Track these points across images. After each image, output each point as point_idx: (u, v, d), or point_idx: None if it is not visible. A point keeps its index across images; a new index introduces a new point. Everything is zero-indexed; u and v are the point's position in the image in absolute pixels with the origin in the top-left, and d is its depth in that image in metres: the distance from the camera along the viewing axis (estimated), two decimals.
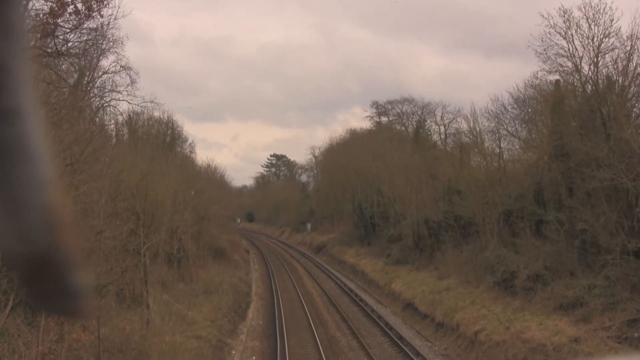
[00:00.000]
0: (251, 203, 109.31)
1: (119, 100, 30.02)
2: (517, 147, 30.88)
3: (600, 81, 23.37)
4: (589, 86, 24.05)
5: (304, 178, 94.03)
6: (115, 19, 21.74)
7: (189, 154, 49.87)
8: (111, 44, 25.78)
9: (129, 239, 20.24)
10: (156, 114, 42.47)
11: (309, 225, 71.01)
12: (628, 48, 22.31)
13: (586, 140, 22.36)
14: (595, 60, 23.23)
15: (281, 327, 24.81)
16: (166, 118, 45.13)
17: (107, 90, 29.55)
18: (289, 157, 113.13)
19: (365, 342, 22.14)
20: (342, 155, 60.53)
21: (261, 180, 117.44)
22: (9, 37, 0.96)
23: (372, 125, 67.94)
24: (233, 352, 21.40)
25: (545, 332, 17.64)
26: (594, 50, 23.18)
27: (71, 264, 1.01)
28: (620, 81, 22.85)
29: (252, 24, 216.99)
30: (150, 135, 42.48)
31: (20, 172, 0.96)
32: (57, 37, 18.54)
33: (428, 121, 55.32)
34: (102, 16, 18.80)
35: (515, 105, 29.92)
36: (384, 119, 67.78)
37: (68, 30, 19.04)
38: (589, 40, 23.23)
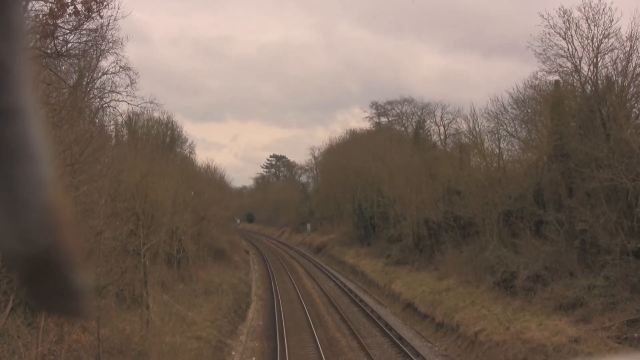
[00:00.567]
0: (251, 204, 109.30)
1: (118, 101, 30.00)
2: (516, 147, 30.93)
3: (599, 81, 23.39)
4: (589, 86, 24.06)
5: (303, 178, 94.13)
6: (114, 20, 21.78)
7: (188, 154, 49.96)
8: (111, 44, 25.80)
9: (129, 239, 20.25)
10: (156, 114, 42.48)
11: (308, 226, 70.99)
12: (627, 48, 22.35)
13: (586, 140, 22.37)
14: (594, 60, 23.25)
15: (281, 328, 24.80)
16: (166, 119, 45.22)
17: (106, 91, 29.56)
18: (288, 158, 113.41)
19: (365, 342, 22.13)
20: (342, 155, 60.52)
21: (261, 181, 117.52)
22: (9, 37, 0.96)
23: (371, 126, 68.03)
24: (233, 352, 21.40)
25: (545, 333, 17.64)
26: (593, 50, 23.20)
27: (71, 265, 1.01)
28: (619, 82, 22.87)
29: (251, 24, 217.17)
30: (150, 135, 42.47)
31: (20, 173, 0.96)
32: (57, 38, 18.53)
33: (428, 122, 55.46)
34: (101, 17, 18.79)
35: (514, 106, 29.97)
36: (383, 119, 67.86)
37: (68, 31, 19.03)
38: (589, 41, 23.26)
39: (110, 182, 18.95)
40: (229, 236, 51.54)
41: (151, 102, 39.91)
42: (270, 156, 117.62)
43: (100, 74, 28.65)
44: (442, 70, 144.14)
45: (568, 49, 23.88)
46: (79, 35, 20.70)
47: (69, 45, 20.75)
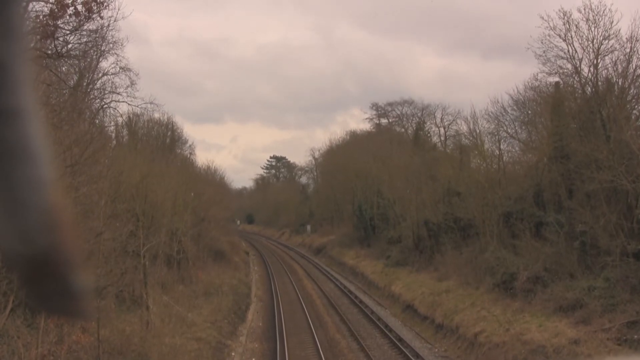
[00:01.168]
0: (251, 205, 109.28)
1: (118, 101, 30.04)
2: (516, 148, 30.97)
3: (599, 83, 23.41)
4: (589, 88, 24.08)
5: (303, 180, 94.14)
6: (115, 21, 21.83)
7: (188, 155, 49.91)
8: (111, 45, 25.86)
9: (129, 240, 20.23)
10: (156, 115, 42.43)
11: (308, 227, 70.97)
12: (628, 50, 22.38)
13: (586, 142, 22.36)
14: (595, 62, 23.27)
15: (281, 329, 24.78)
16: (166, 120, 45.17)
17: (106, 92, 29.60)
18: (288, 159, 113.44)
19: (365, 344, 22.11)
20: (342, 156, 60.54)
21: (261, 182, 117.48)
22: (9, 38, 0.96)
23: (371, 127, 68.08)
24: (233, 353, 21.38)
25: (545, 334, 17.63)
26: (593, 52, 23.22)
27: (71, 265, 1.01)
28: (619, 83, 22.89)
29: (250, 25, 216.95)
30: (150, 136, 42.43)
31: (20, 173, 0.96)
32: (57, 38, 18.57)
33: (428, 123, 55.55)
34: (102, 18, 18.88)
35: (515, 107, 30.00)
36: (383, 120, 67.92)
37: (68, 32, 19.08)
38: (589, 42, 23.28)
39: (111, 183, 18.93)
40: (229, 237, 51.52)
41: (151, 103, 39.78)
42: (271, 157, 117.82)
43: (100, 74, 28.71)
44: (441, 71, 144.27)
45: (568, 51, 23.93)
46: (79, 36, 20.78)
47: (69, 46, 20.82)
